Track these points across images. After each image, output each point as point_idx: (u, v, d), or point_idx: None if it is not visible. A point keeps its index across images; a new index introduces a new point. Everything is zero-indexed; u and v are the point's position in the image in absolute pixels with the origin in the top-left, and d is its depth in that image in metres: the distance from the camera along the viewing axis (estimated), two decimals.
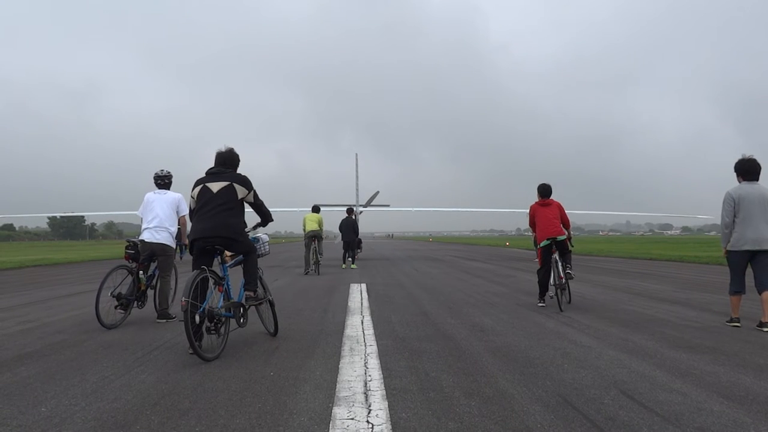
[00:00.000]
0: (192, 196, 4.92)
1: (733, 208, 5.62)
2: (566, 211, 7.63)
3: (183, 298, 4.09)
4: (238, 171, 5.09)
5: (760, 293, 5.58)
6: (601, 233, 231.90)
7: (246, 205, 5.00)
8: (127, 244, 6.27)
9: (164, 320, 6.14)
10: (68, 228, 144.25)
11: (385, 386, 3.49)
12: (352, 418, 2.90)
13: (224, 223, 4.67)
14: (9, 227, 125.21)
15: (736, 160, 5.82)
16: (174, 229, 6.48)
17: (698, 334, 5.26)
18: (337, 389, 3.44)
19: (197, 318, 4.24)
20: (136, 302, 6.20)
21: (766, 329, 5.36)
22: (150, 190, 6.66)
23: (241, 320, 4.90)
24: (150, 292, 6.45)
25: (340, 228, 16.74)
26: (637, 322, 6.04)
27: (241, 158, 5.09)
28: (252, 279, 4.95)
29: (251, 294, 4.91)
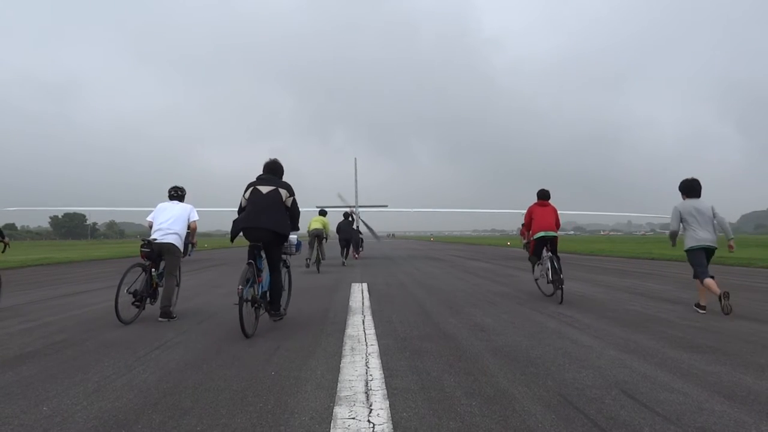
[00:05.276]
0: (244, 197, 5.74)
1: (679, 218, 6.96)
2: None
3: (239, 287, 5.05)
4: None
5: (702, 281, 6.76)
6: (602, 233, 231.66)
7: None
8: (143, 243, 6.52)
9: (166, 319, 6.17)
10: (70, 228, 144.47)
11: (386, 386, 3.50)
12: (354, 418, 2.90)
13: (271, 218, 5.55)
14: (10, 226, 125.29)
15: (680, 181, 7.12)
16: (183, 232, 6.80)
17: (700, 334, 5.25)
18: (338, 388, 3.44)
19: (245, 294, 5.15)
20: (149, 299, 6.41)
21: (702, 311, 6.61)
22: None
23: (261, 310, 5.60)
24: (160, 290, 6.61)
25: (338, 228, 18.75)
26: (638, 321, 6.03)
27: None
28: (275, 299, 5.75)
29: (275, 317, 5.84)
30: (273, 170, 5.93)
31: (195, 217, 7.03)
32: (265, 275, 5.67)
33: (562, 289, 7.65)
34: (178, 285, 6.86)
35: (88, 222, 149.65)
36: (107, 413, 2.99)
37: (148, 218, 6.87)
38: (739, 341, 4.92)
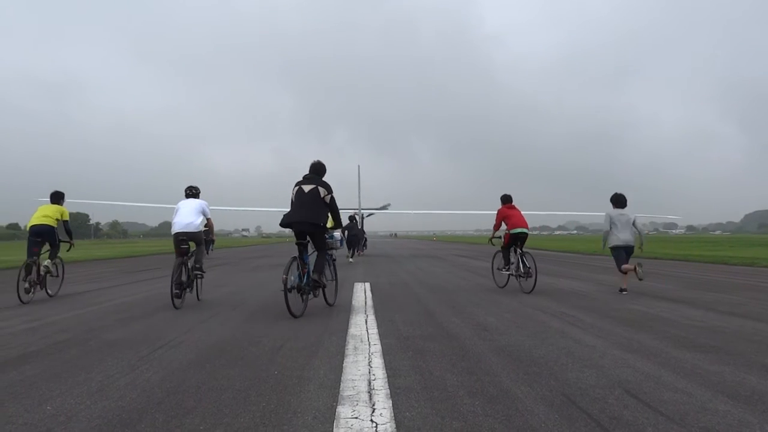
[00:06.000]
0: (293, 193, 6.79)
1: (610, 222, 9.00)
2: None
3: (283, 276, 6.08)
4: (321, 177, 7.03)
5: (621, 269, 8.83)
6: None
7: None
8: (180, 240, 7.62)
9: (200, 272, 7.91)
10: (73, 227, 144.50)
11: (389, 385, 3.50)
12: (357, 417, 2.90)
13: (311, 212, 6.58)
14: (14, 226, 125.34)
15: (611, 195, 9.23)
16: (200, 221, 7.95)
17: (703, 334, 5.24)
18: (341, 388, 3.44)
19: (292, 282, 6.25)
20: (187, 288, 7.53)
21: (625, 293, 8.57)
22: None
23: (311, 294, 6.68)
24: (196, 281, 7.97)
25: (345, 228, 19.73)
26: (641, 321, 6.02)
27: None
28: (319, 267, 6.74)
29: (316, 277, 6.64)
30: (316, 170, 7.01)
31: (208, 213, 8.23)
32: (310, 265, 6.69)
33: (535, 279, 8.82)
34: (202, 277, 8.05)
35: (91, 222, 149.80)
36: (111, 412, 3.00)
37: (173, 218, 8.02)
38: (743, 341, 4.90)
